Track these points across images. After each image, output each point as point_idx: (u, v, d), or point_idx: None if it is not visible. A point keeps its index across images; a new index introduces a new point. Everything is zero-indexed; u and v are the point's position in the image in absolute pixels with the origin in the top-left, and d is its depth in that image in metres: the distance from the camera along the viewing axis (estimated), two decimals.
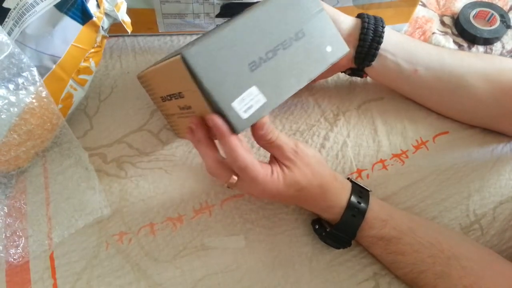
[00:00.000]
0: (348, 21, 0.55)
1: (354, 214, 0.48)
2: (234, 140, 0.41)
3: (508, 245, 0.52)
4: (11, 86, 0.51)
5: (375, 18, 0.55)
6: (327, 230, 0.50)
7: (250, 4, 0.64)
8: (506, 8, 0.73)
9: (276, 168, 0.46)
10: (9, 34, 0.54)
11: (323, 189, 0.47)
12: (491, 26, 0.70)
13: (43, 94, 0.52)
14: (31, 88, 0.52)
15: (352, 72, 0.58)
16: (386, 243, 0.48)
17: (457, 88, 0.55)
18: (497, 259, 0.48)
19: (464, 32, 0.70)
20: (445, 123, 0.61)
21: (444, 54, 0.56)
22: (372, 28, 0.53)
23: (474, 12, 0.71)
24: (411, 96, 0.61)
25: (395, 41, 0.55)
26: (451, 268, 0.45)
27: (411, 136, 0.60)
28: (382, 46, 0.54)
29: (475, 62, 0.55)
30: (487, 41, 0.69)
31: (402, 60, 0.55)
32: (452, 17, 0.73)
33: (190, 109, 0.47)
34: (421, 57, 0.55)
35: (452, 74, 0.55)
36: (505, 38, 0.70)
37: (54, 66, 0.54)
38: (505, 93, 0.54)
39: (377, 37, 0.53)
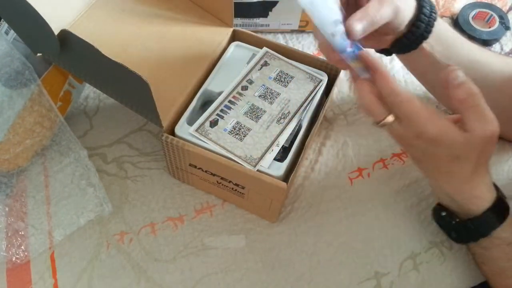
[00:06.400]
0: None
1: (498, 212, 0.45)
2: (388, 72, 0.41)
3: None
4: (9, 85, 0.51)
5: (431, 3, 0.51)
6: (457, 220, 0.47)
7: (249, 4, 0.64)
8: (505, 9, 0.74)
9: (439, 113, 0.43)
10: (6, 34, 0.54)
11: (476, 170, 0.43)
12: (490, 27, 0.70)
13: (41, 92, 0.52)
14: (29, 87, 0.52)
15: (394, 46, 0.53)
16: None
17: (479, 87, 0.54)
18: None
19: (463, 33, 0.70)
20: None
21: (475, 51, 0.53)
22: (428, 13, 0.50)
23: (473, 13, 0.71)
24: (430, 89, 0.60)
25: (437, 30, 0.51)
26: None
27: None
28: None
29: (501, 64, 0.53)
30: (486, 43, 0.70)
31: (438, 53, 0.52)
32: (451, 18, 0.74)
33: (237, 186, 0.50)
34: (455, 52, 0.53)
35: (479, 72, 0.53)
36: (503, 40, 0.71)
37: (51, 65, 0.54)
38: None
39: (431, 22, 0.50)
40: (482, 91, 0.53)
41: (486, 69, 0.53)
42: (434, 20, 0.49)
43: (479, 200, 0.45)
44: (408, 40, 0.50)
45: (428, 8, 0.49)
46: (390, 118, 0.41)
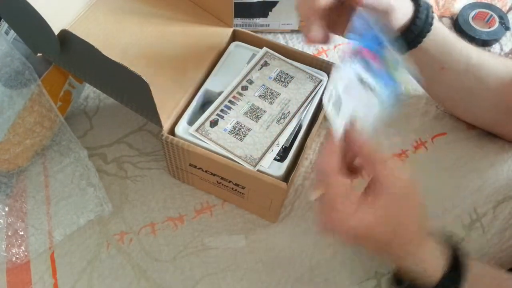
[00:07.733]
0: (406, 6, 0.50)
1: (455, 275, 0.41)
2: (331, 144, 0.39)
3: (508, 244, 0.52)
4: (9, 85, 0.51)
5: (427, 6, 0.50)
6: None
7: (249, 4, 0.64)
8: (505, 9, 0.74)
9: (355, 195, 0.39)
10: (6, 34, 0.54)
11: (397, 236, 0.40)
12: (490, 27, 0.70)
13: (41, 92, 0.52)
14: (29, 87, 0.52)
15: None
16: None
17: (475, 90, 0.54)
18: None
19: (463, 33, 0.70)
20: (443, 124, 0.61)
21: (472, 55, 0.53)
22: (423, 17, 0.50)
23: (473, 13, 0.71)
24: (427, 90, 0.60)
25: (433, 35, 0.51)
26: None
27: (410, 136, 0.60)
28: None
29: (498, 67, 0.53)
30: (486, 43, 0.70)
31: (433, 56, 0.52)
32: (451, 18, 0.74)
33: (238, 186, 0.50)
34: (451, 56, 0.53)
35: (474, 76, 0.53)
36: (503, 40, 0.71)
37: (51, 65, 0.54)
38: None
39: (423, 34, 0.50)
40: (478, 94, 0.54)
41: (482, 72, 0.53)
42: (427, 31, 0.49)
43: (432, 267, 0.42)
44: (412, 33, 0.50)
45: (423, 18, 0.49)
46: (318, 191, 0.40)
